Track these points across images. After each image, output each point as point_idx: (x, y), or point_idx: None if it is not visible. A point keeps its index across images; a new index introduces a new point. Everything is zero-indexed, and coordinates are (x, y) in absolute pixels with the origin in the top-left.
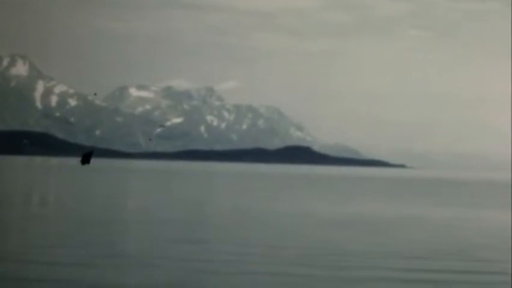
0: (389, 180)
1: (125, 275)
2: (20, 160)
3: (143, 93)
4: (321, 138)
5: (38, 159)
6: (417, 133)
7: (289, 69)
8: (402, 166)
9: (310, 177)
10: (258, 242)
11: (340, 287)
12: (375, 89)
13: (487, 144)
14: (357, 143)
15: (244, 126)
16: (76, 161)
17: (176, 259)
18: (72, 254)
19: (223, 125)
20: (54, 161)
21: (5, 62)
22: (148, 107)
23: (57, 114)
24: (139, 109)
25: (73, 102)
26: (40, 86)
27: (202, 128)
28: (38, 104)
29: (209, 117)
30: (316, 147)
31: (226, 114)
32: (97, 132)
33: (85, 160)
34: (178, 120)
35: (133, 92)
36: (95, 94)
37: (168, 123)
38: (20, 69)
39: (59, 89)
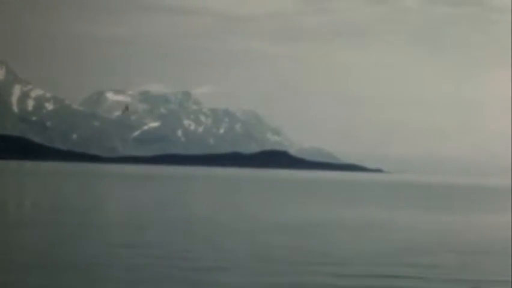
0: (356, 184)
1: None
2: None
3: (120, 98)
4: (298, 143)
5: (14, 164)
6: (394, 137)
7: (266, 74)
8: (379, 170)
9: (276, 182)
10: (160, 244)
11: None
12: (352, 93)
13: (466, 148)
14: (334, 147)
15: (221, 131)
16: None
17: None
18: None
19: (200, 129)
20: (29, 165)
21: None
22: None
23: (34, 118)
24: (116, 113)
25: (49, 106)
26: (17, 90)
27: (179, 132)
28: (15, 108)
29: (186, 122)
30: (293, 152)
31: (203, 118)
32: (74, 136)
33: (125, 111)
34: (155, 124)
35: (110, 96)
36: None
37: (145, 128)
38: None
39: (35, 93)
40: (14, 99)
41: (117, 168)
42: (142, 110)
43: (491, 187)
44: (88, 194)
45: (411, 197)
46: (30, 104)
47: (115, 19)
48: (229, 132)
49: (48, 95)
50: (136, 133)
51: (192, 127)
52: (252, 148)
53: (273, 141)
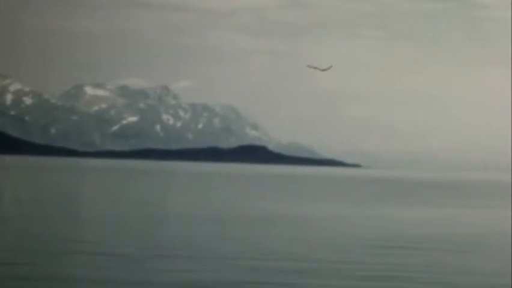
0: (331, 179)
1: None
2: None
3: (99, 92)
4: (276, 138)
5: None
6: (374, 133)
7: (245, 69)
8: (357, 166)
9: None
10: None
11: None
12: (331, 88)
13: (445, 144)
14: (313, 143)
15: (200, 125)
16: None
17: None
18: None
19: (178, 124)
20: (8, 159)
21: None
22: (103, 105)
23: (12, 112)
24: (95, 108)
25: (28, 100)
26: None
27: (158, 127)
28: None
29: (165, 116)
30: (271, 147)
31: (182, 113)
32: (52, 130)
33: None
34: (133, 119)
35: (89, 90)
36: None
37: (124, 122)
38: None
39: (14, 87)
40: None
41: (95, 163)
42: (120, 104)
43: (466, 182)
44: (63, 188)
45: (384, 192)
46: (8, 98)
47: (93, 14)
48: (208, 127)
49: (26, 89)
50: (115, 128)
51: (171, 122)
52: (231, 143)
53: (251, 136)
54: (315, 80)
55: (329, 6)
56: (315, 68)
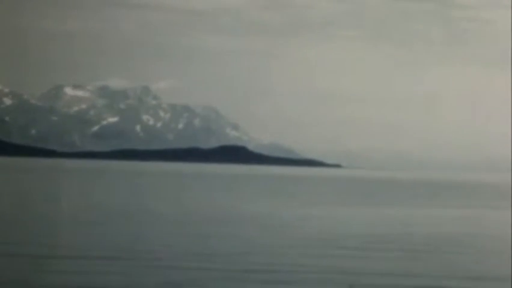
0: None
1: None
2: None
3: (79, 92)
4: (257, 138)
5: None
6: (354, 133)
7: (225, 69)
8: (337, 166)
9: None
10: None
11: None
12: (311, 88)
13: (425, 144)
14: (293, 143)
15: (180, 126)
16: None
17: None
18: None
19: (159, 124)
20: None
21: None
22: (83, 106)
23: None
24: (75, 108)
25: (8, 101)
26: None
27: (138, 127)
28: None
29: (145, 117)
30: (252, 147)
31: (162, 113)
32: (33, 131)
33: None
34: (113, 119)
35: (69, 91)
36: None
37: (104, 123)
38: None
39: None
40: None
41: (75, 164)
42: (100, 105)
43: (445, 182)
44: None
45: (347, 191)
46: None
47: (73, 14)
48: (188, 128)
49: (6, 90)
50: (95, 128)
51: (151, 122)
52: (211, 143)
53: (232, 137)
54: (295, 81)
55: (307, 6)
56: None
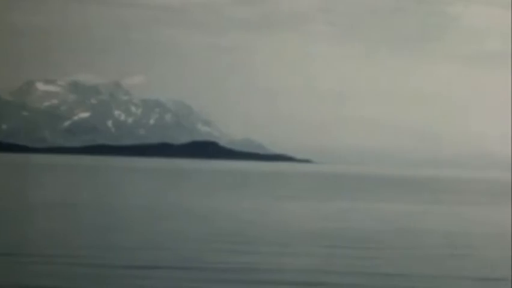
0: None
1: None
2: None
3: (50, 88)
4: (228, 134)
5: None
6: (326, 129)
7: (197, 64)
8: (307, 161)
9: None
10: None
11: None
12: (283, 84)
13: (399, 140)
14: (264, 138)
15: (152, 121)
16: None
17: None
18: None
19: (130, 120)
20: None
21: None
22: (54, 101)
23: None
24: (46, 103)
25: None
26: None
27: (110, 123)
28: None
29: (116, 112)
30: (223, 143)
31: (133, 108)
32: (3, 127)
33: None
34: (85, 115)
35: (40, 86)
36: None
37: (75, 118)
38: None
39: None
40: None
41: (46, 159)
42: (72, 100)
43: (414, 178)
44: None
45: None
46: None
47: (43, 8)
48: (160, 123)
49: None
50: (66, 123)
51: (122, 117)
52: (183, 139)
53: (203, 132)
54: (267, 77)
55: (281, 1)
56: None
